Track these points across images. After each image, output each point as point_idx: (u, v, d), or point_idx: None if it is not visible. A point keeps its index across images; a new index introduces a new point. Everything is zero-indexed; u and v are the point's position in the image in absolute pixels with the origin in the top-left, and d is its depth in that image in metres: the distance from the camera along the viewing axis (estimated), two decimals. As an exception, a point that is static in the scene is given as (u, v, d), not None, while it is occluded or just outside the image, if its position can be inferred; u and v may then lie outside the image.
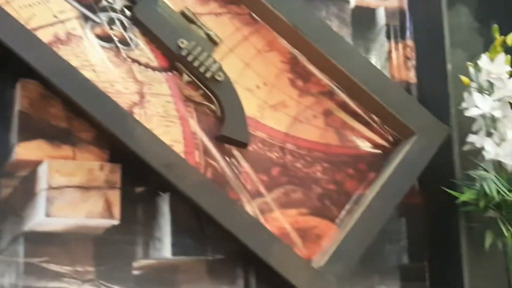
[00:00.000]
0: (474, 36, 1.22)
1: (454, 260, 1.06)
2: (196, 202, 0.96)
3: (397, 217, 1.12)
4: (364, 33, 1.20)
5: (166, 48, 1.04)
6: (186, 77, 1.04)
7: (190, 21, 1.06)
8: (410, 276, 1.11)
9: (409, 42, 1.21)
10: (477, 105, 1.08)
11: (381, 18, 1.21)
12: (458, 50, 1.19)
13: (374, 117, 1.11)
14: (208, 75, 1.03)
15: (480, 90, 1.10)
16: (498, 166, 1.07)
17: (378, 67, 1.16)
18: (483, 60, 1.10)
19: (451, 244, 1.07)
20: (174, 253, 1.01)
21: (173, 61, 1.05)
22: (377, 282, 1.09)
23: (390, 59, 1.20)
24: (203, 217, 0.99)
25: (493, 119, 1.08)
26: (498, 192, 1.03)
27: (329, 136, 1.10)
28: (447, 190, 1.05)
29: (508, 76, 1.09)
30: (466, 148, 1.10)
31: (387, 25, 1.21)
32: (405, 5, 1.22)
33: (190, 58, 1.03)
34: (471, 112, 1.09)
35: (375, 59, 1.18)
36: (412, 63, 1.20)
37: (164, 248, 1.01)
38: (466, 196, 1.04)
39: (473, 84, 1.11)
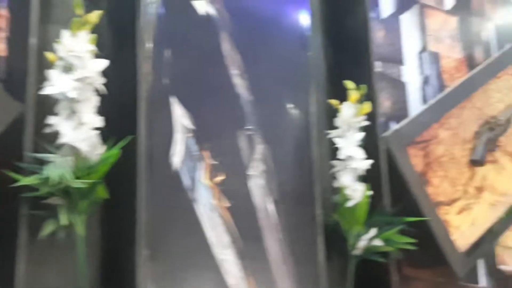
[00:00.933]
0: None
1: (13, 251, 0.96)
2: None
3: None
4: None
5: None
6: None
7: None
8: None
9: (3, 12, 1.10)
10: (54, 84, 1.01)
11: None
12: (56, 26, 1.11)
13: None
14: None
15: (65, 68, 1.03)
16: (75, 151, 1.01)
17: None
18: (65, 37, 1.02)
19: (11, 234, 0.97)
20: None
21: None
22: None
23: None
24: None
25: (73, 101, 1.01)
26: (62, 178, 0.96)
27: None
28: (9, 173, 0.95)
29: (90, 55, 1.03)
30: (47, 130, 1.01)
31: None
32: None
33: None
34: (47, 91, 1.01)
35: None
36: (4, 34, 1.09)
37: None
38: (26, 180, 0.95)
39: (60, 62, 1.04)
